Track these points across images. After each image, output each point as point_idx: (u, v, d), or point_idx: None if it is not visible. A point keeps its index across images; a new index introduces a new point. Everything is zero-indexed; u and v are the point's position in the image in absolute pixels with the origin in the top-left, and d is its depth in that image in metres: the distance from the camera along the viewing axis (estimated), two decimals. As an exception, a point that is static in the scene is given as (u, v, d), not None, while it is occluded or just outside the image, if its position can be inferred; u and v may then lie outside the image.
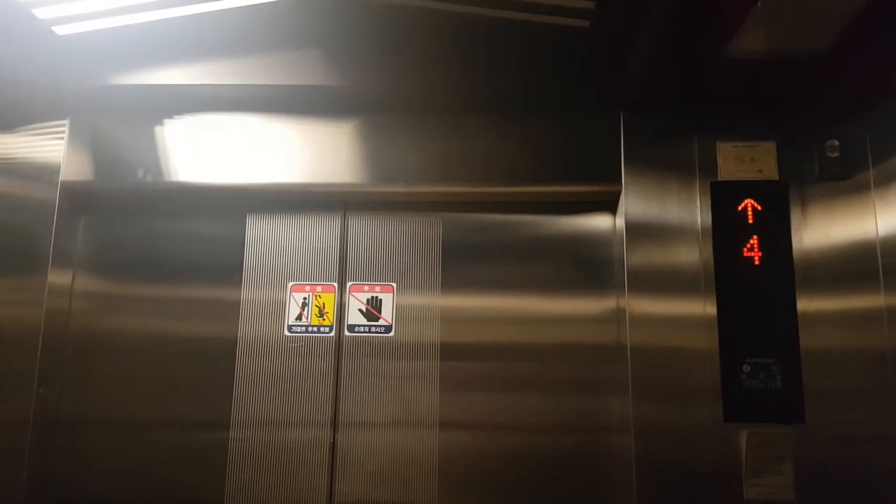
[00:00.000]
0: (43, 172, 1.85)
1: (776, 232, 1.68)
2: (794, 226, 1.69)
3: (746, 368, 1.63)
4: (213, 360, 1.85)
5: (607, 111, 1.79)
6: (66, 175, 1.86)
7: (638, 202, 1.74)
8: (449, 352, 1.83)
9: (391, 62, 1.77)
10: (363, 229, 1.92)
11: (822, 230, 1.69)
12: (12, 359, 1.76)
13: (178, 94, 1.83)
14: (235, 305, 1.88)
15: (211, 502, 1.78)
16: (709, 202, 1.72)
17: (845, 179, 1.70)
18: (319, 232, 1.92)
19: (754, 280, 1.67)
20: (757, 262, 1.68)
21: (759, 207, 1.70)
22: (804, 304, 1.65)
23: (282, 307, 1.88)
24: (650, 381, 1.66)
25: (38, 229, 1.82)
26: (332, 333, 1.86)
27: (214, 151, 1.87)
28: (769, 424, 1.61)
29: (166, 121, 1.89)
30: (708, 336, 1.65)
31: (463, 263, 1.88)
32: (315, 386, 1.84)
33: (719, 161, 1.74)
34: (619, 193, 1.78)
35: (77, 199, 1.91)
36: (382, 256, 1.90)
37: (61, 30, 1.68)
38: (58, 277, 1.85)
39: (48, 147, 1.86)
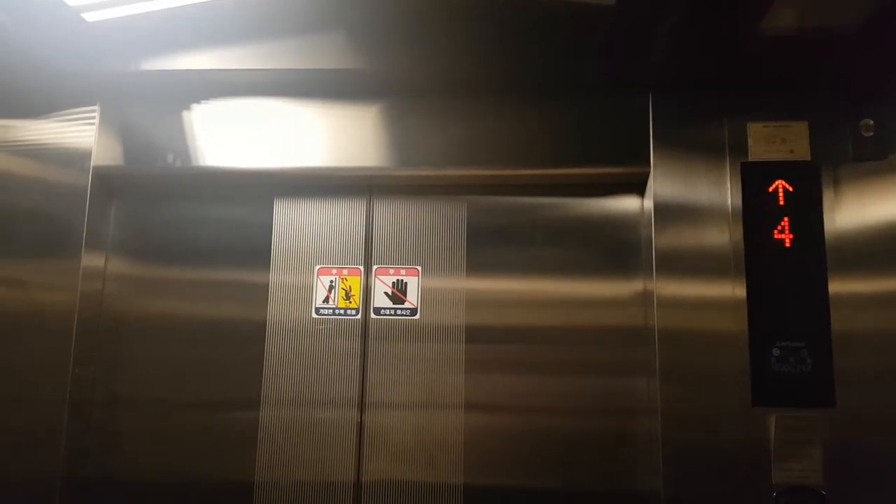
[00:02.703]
0: (75, 158, 1.88)
1: (808, 213, 1.65)
2: (826, 207, 1.65)
3: (776, 352, 1.62)
4: (243, 341, 1.88)
5: (635, 91, 1.76)
6: (97, 160, 1.89)
7: (666, 184, 1.72)
8: (474, 334, 1.84)
9: (415, 45, 1.77)
10: (388, 213, 1.93)
11: (855, 211, 1.65)
12: (49, 341, 1.80)
13: (206, 80, 1.84)
14: (264, 288, 1.90)
15: (242, 479, 1.82)
16: (739, 183, 1.69)
17: (880, 160, 1.66)
18: (345, 216, 1.93)
19: (785, 262, 1.64)
20: (788, 245, 1.65)
21: (791, 189, 1.67)
22: (836, 287, 1.62)
23: (309, 290, 1.90)
24: (678, 364, 1.64)
25: (72, 214, 1.86)
26: (359, 316, 1.88)
27: (241, 136, 1.88)
28: (799, 408, 1.59)
29: (194, 106, 1.91)
30: (737, 319, 1.63)
31: (488, 246, 1.88)
32: (342, 367, 1.86)
33: (750, 142, 1.71)
34: (647, 175, 1.75)
35: (108, 183, 1.94)
36: (408, 240, 1.91)
37: (91, 16, 1.69)
38: (91, 261, 1.89)
39: (79, 133, 1.89)
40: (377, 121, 1.86)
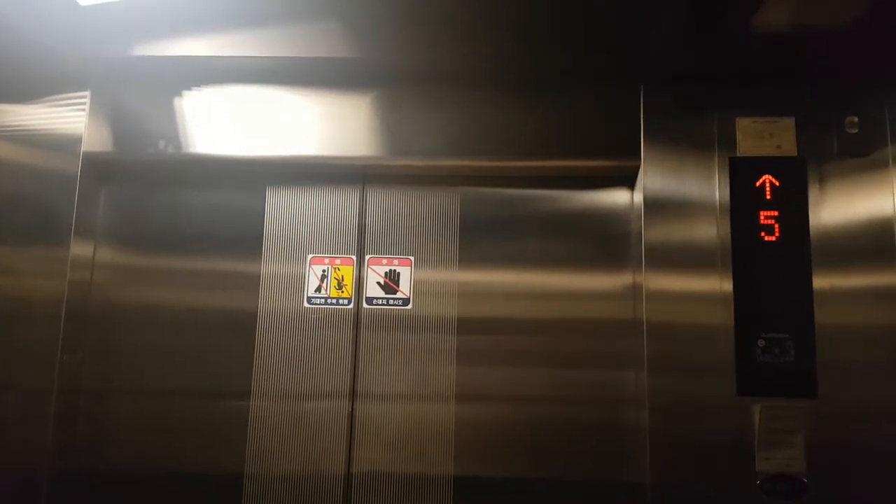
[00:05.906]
0: (65, 143, 1.86)
1: (794, 208, 1.68)
2: (811, 202, 1.68)
3: (761, 343, 1.64)
4: (234, 331, 1.87)
5: (627, 85, 1.77)
6: (87, 146, 1.87)
7: (657, 177, 1.74)
8: (466, 326, 1.85)
9: (410, 35, 1.77)
10: (382, 202, 1.93)
11: (839, 207, 1.68)
12: (37, 329, 1.78)
13: (199, 66, 1.83)
14: (256, 277, 1.90)
15: (231, 469, 1.81)
16: (727, 178, 1.71)
17: (864, 156, 1.69)
18: (338, 205, 1.93)
19: (771, 256, 1.67)
20: (774, 238, 1.68)
21: (778, 183, 1.70)
22: (820, 281, 1.65)
23: (301, 279, 1.90)
24: (665, 356, 1.67)
25: (61, 200, 1.83)
26: (351, 305, 1.88)
27: (234, 123, 1.87)
28: (782, 398, 1.62)
29: (187, 92, 1.90)
30: (724, 312, 1.66)
31: (480, 238, 1.89)
32: (334, 357, 1.86)
33: (738, 137, 1.73)
34: (637, 168, 1.77)
35: (98, 170, 1.91)
36: (401, 230, 1.91)
37: (84, 0, 1.67)
38: (80, 249, 1.87)
39: (70, 118, 1.87)
40: (371, 110, 1.86)
